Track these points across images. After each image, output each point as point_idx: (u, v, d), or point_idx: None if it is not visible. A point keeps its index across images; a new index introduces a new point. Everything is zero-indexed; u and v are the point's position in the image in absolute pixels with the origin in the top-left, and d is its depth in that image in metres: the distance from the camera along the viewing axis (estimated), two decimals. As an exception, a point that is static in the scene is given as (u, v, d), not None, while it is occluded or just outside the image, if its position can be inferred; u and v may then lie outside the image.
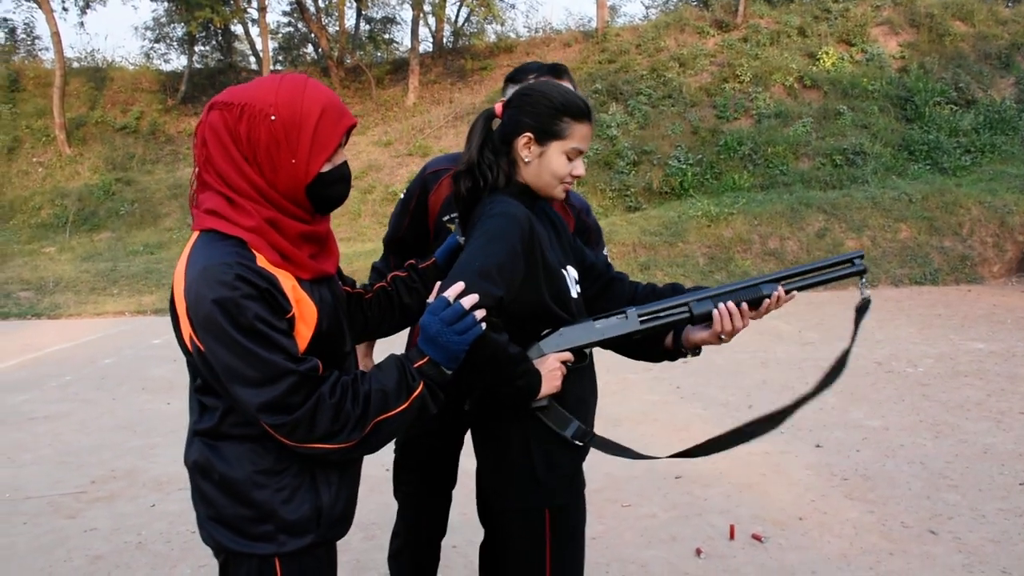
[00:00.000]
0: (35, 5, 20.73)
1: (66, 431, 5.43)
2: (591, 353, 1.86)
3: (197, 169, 1.48)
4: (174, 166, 19.88)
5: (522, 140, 1.76)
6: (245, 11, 22.55)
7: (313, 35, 23.72)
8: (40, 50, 24.18)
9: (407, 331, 2.22)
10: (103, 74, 23.02)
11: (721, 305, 1.80)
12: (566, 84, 2.19)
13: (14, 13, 23.49)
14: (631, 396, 5.84)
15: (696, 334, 1.87)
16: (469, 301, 1.49)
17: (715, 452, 1.92)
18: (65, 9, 23.01)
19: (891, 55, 17.57)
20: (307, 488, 1.50)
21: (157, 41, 23.75)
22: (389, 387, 1.45)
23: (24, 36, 24.45)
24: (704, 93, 17.30)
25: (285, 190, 1.46)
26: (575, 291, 1.85)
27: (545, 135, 1.75)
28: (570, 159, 1.76)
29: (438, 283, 1.61)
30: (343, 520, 1.58)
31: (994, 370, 6.32)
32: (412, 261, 1.90)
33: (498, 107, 1.82)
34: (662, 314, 1.81)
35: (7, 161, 19.79)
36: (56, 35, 19.97)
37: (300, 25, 24.80)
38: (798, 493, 3.87)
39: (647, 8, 23.44)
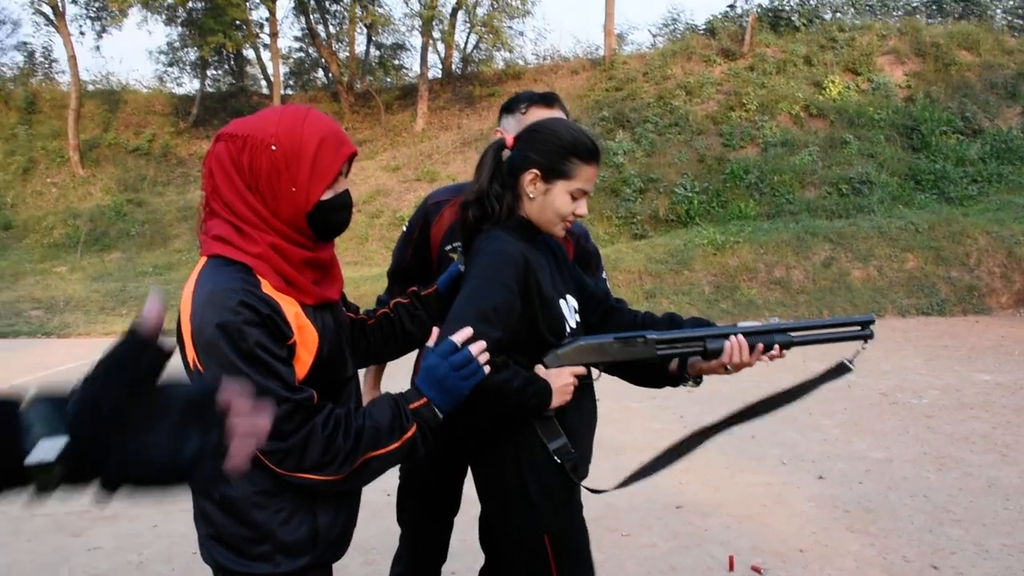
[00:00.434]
0: (53, 29, 21.00)
1: (71, 453, 5.45)
2: (600, 372, 1.91)
3: (205, 197, 1.53)
4: (185, 188, 20.04)
5: (529, 176, 1.79)
6: (257, 36, 22.82)
7: (324, 60, 23.96)
8: (57, 73, 24.46)
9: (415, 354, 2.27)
10: (117, 97, 23.29)
11: (733, 338, 1.86)
12: (557, 112, 2.26)
13: (33, 37, 23.75)
14: (634, 424, 5.84)
15: (702, 363, 1.92)
16: (476, 348, 1.53)
17: (650, 474, 2.03)
18: (82, 33, 23.31)
19: (897, 84, 17.65)
20: (305, 510, 1.53)
21: (171, 65, 24.02)
22: (382, 425, 1.48)
23: (42, 59, 24.75)
24: (710, 121, 17.39)
25: (287, 218, 1.49)
26: (573, 321, 1.89)
27: (552, 173, 1.79)
28: (574, 199, 1.80)
29: (435, 328, 1.65)
30: (340, 543, 1.61)
31: (1000, 402, 6.31)
32: (414, 288, 1.94)
33: (509, 139, 1.86)
34: (678, 345, 1.87)
35: (22, 181, 19.99)
36: (73, 59, 20.23)
37: (311, 50, 25.07)
38: (799, 525, 3.87)
39: (654, 37, 23.59)
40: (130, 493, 0.77)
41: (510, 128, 2.30)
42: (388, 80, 24.23)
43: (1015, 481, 4.44)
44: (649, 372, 1.98)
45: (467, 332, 1.55)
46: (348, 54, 23.62)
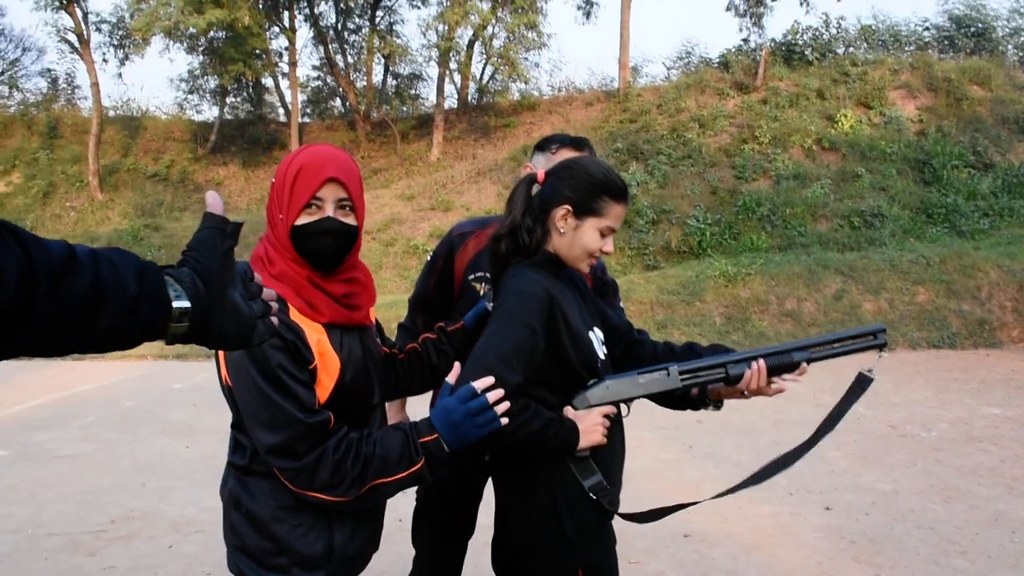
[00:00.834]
0: (78, 57, 21.41)
1: (88, 470, 5.54)
2: (629, 409, 1.96)
3: None
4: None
5: (560, 211, 1.85)
6: (276, 65, 23.18)
7: (341, 89, 24.29)
8: (79, 99, 24.89)
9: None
10: (137, 123, 23.66)
11: (754, 364, 1.91)
12: (585, 154, 2.38)
13: (58, 64, 24.21)
14: (644, 454, 5.88)
15: (721, 388, 1.98)
16: (494, 396, 1.60)
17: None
18: (105, 61, 23.80)
19: (909, 118, 17.75)
20: (322, 527, 1.63)
21: (191, 92, 24.40)
22: (391, 456, 1.57)
23: (65, 86, 25.20)
24: (723, 154, 17.51)
25: (283, 243, 1.61)
26: (602, 352, 1.95)
27: (584, 210, 1.84)
28: (603, 235, 1.86)
29: (457, 364, 1.73)
30: (356, 560, 1.70)
31: (1009, 436, 6.32)
32: (442, 324, 2.03)
33: (540, 174, 1.92)
34: (701, 374, 1.92)
35: (41, 205, 20.29)
36: (96, 85, 20.61)
37: (329, 79, 25.41)
38: (805, 555, 3.91)
39: (668, 69, 23.82)
40: (225, 344, 1.01)
41: (540, 165, 2.43)
42: (404, 109, 24.53)
43: (1022, 514, 4.46)
44: (674, 398, 2.03)
45: (488, 380, 1.61)
46: (365, 83, 23.94)
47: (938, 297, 12.41)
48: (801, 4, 22.68)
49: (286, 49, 22.68)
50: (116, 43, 22.71)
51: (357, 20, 24.27)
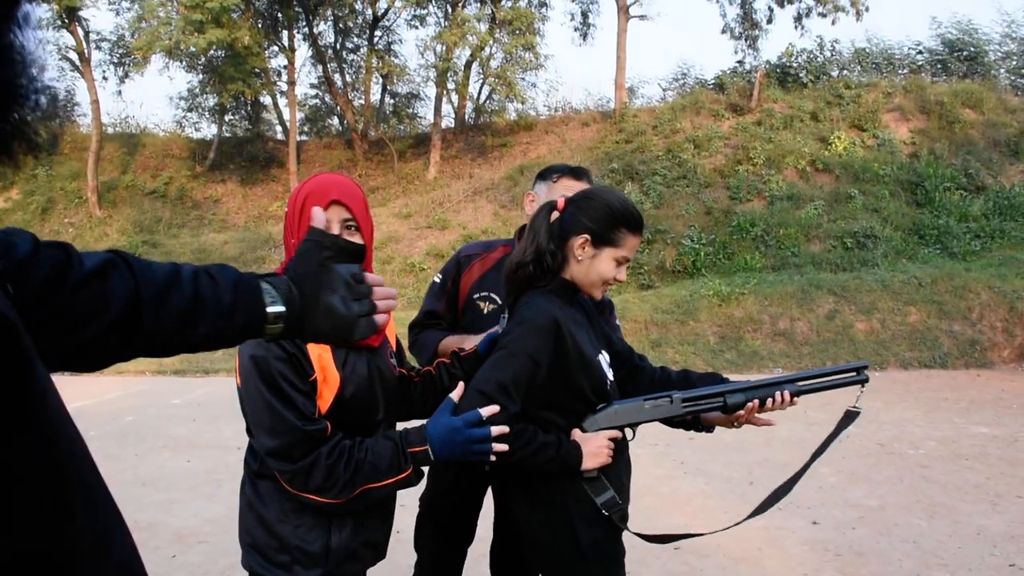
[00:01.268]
0: (78, 74, 21.60)
1: (90, 486, 5.62)
2: (635, 434, 2.09)
3: None
4: (199, 231, 20.41)
5: (579, 240, 1.95)
6: (275, 84, 23.37)
7: (339, 108, 24.48)
8: (78, 116, 25.06)
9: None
10: (136, 140, 23.83)
11: (750, 404, 2.06)
12: (584, 183, 2.56)
13: (58, 81, 24.28)
14: (637, 470, 5.92)
15: (716, 419, 2.14)
16: (496, 431, 1.74)
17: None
18: (105, 79, 23.92)
19: (902, 141, 17.97)
20: (322, 528, 1.77)
21: (190, 110, 24.56)
22: (381, 463, 1.72)
23: (64, 102, 25.35)
24: (718, 174, 17.70)
25: None
26: (610, 376, 2.07)
27: (602, 240, 1.95)
28: (617, 264, 1.97)
29: (461, 384, 1.86)
30: (352, 560, 1.84)
31: (995, 454, 6.44)
32: (456, 349, 2.16)
33: (560, 201, 2.03)
34: (701, 402, 2.07)
35: (40, 221, 20.39)
36: (96, 103, 20.78)
37: (327, 98, 25.60)
38: (792, 567, 4.02)
39: (664, 91, 24.04)
40: (324, 339, 1.16)
41: (541, 193, 2.63)
42: (402, 128, 24.74)
43: (1003, 529, 4.57)
44: (671, 420, 2.16)
45: (494, 409, 1.76)
46: (363, 102, 24.14)
47: (930, 317, 12.55)
48: (796, 27, 23.04)
49: (285, 68, 22.90)
50: (116, 61, 22.91)
51: (355, 40, 24.51)
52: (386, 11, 22.73)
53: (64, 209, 20.89)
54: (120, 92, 41.58)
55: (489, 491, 2.70)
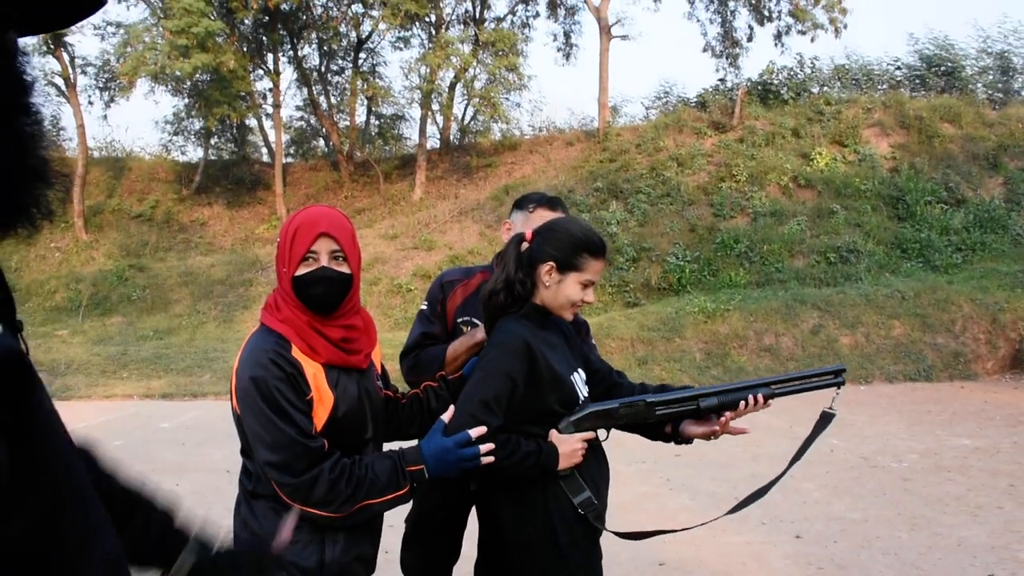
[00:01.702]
0: (64, 100, 21.62)
1: (78, 512, 5.63)
2: (608, 434, 2.22)
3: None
4: (186, 254, 20.41)
5: (545, 267, 2.11)
6: (260, 106, 23.45)
7: (324, 130, 24.57)
8: (64, 140, 25.05)
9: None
10: (122, 164, 23.85)
11: (724, 418, 2.18)
12: (559, 213, 2.68)
13: (43, 106, 24.28)
14: (623, 487, 6.03)
15: (692, 429, 2.24)
16: (485, 448, 1.89)
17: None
18: (91, 103, 23.95)
19: (883, 156, 18.17)
20: (316, 543, 1.85)
21: (176, 134, 24.60)
22: (380, 480, 1.83)
23: (50, 127, 25.29)
24: (702, 192, 17.85)
25: (287, 292, 1.87)
26: (583, 393, 2.20)
27: (566, 266, 2.10)
28: (584, 287, 2.12)
29: (451, 409, 1.98)
30: (345, 574, 1.90)
31: (977, 466, 6.52)
32: (443, 373, 2.30)
33: (528, 233, 2.19)
34: (674, 405, 2.18)
35: (26, 245, 20.33)
36: (81, 127, 20.80)
37: (312, 120, 25.70)
38: (775, 580, 4.08)
39: (647, 109, 24.25)
40: None
41: (518, 222, 2.76)
42: (387, 149, 24.85)
43: (983, 540, 4.64)
44: (648, 429, 2.30)
45: (481, 430, 1.90)
46: (348, 124, 24.24)
47: (913, 331, 12.67)
48: (776, 45, 23.31)
49: (270, 91, 22.98)
50: (102, 86, 22.94)
51: (340, 62, 24.63)
52: (370, 34, 22.89)
53: (50, 233, 20.81)
54: (106, 116, 41.62)
55: (473, 510, 2.75)
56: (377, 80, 23.36)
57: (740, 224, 16.71)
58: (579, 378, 2.20)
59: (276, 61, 22.71)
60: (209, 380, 12.00)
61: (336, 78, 24.80)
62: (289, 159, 25.20)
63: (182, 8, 17.60)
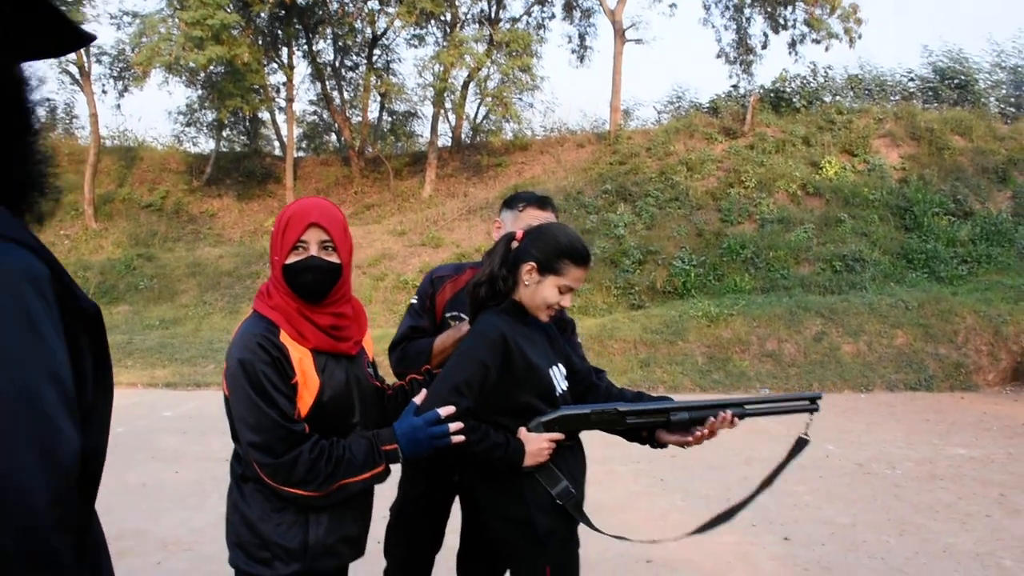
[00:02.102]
0: (78, 88, 21.76)
1: (78, 494, 5.72)
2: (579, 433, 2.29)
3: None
4: (194, 245, 20.53)
5: (527, 267, 2.19)
6: (273, 100, 23.57)
7: (337, 125, 24.68)
8: (76, 128, 25.23)
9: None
10: (134, 153, 24.00)
11: (698, 433, 2.26)
12: (549, 213, 2.76)
13: (57, 94, 24.51)
14: (616, 486, 6.10)
15: (665, 437, 2.33)
16: (454, 427, 1.98)
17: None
18: (104, 92, 24.09)
19: (892, 166, 18.18)
20: (300, 526, 1.92)
21: (188, 125, 24.74)
22: (357, 460, 1.91)
23: (63, 115, 25.55)
24: (710, 197, 17.88)
25: (278, 279, 1.96)
26: (562, 387, 2.28)
27: (546, 269, 2.18)
28: (561, 292, 2.19)
29: (424, 392, 2.09)
30: (329, 555, 1.99)
31: (970, 475, 6.55)
32: (428, 367, 2.38)
33: (519, 233, 2.28)
34: (645, 416, 2.27)
35: (36, 233, 20.50)
36: (94, 116, 20.94)
37: (325, 115, 25.80)
38: (760, 580, 4.13)
39: (659, 113, 24.30)
40: None
41: (507, 220, 2.82)
42: (399, 145, 24.94)
43: (969, 547, 4.69)
44: (627, 434, 2.36)
45: (450, 410, 1.99)
46: (361, 120, 24.34)
47: (916, 341, 12.68)
48: (790, 53, 23.32)
49: (284, 84, 23.09)
50: (116, 75, 23.09)
51: (355, 58, 24.73)
52: (385, 30, 22.99)
53: (60, 221, 20.98)
54: (119, 106, 41.57)
55: (457, 501, 2.83)
56: (391, 77, 23.46)
57: (747, 230, 16.74)
58: (559, 372, 2.28)
59: (290, 55, 22.84)
60: (213, 371, 12.10)
61: (350, 74, 24.92)
62: (301, 153, 25.31)
63: (198, 0, 17.72)
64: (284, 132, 24.36)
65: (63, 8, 0.87)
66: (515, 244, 2.25)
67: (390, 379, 2.47)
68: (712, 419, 2.24)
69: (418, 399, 2.04)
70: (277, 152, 25.78)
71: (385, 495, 2.84)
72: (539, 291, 2.19)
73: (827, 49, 21.88)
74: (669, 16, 35.16)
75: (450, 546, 2.95)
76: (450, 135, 24.36)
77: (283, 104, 23.43)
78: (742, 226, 16.94)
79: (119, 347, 13.75)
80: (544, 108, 43.55)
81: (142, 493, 5.76)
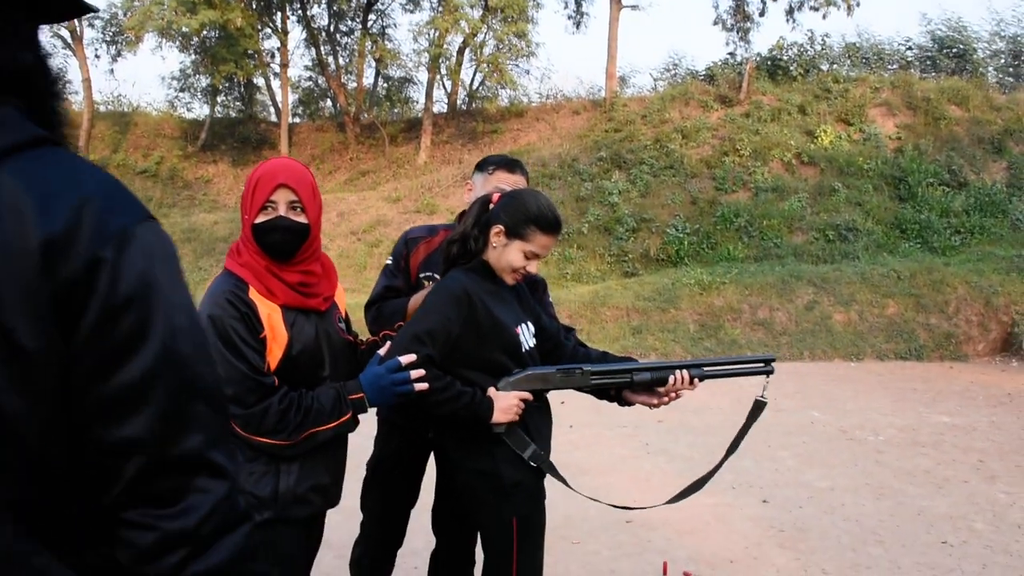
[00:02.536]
0: (70, 52, 21.61)
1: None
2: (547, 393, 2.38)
3: None
4: (190, 211, 20.51)
5: (495, 229, 2.25)
6: (268, 65, 23.42)
7: (332, 91, 24.55)
8: (70, 94, 25.04)
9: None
10: (128, 119, 23.86)
11: (662, 396, 2.37)
12: (519, 176, 2.79)
13: (49, 58, 24.29)
14: (601, 450, 6.18)
15: (632, 396, 2.41)
16: (416, 374, 2.05)
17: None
18: (97, 56, 23.87)
19: (887, 136, 18.12)
20: (271, 475, 2.00)
21: (182, 90, 24.58)
22: (325, 409, 1.98)
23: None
24: (704, 165, 17.85)
25: (247, 238, 2.01)
26: (529, 343, 2.35)
27: (513, 233, 2.24)
28: (527, 258, 2.25)
29: (388, 343, 2.14)
30: (300, 503, 2.06)
31: (951, 442, 6.64)
32: (400, 324, 2.41)
33: (495, 196, 2.34)
34: (608, 376, 2.35)
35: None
36: (87, 81, 20.83)
37: (320, 80, 25.65)
38: (735, 540, 4.21)
39: (655, 81, 24.18)
40: None
41: (478, 183, 2.87)
42: (394, 112, 24.82)
43: (944, 510, 4.77)
44: (597, 392, 2.44)
45: (411, 358, 2.06)
46: (356, 86, 24.20)
47: (907, 310, 12.74)
48: (787, 20, 23.17)
49: (278, 49, 22.93)
50: (109, 39, 22.93)
51: (349, 23, 24.53)
52: (380, -5, 22.81)
53: (55, 186, 20.95)
54: (112, 71, 41.57)
55: (432, 458, 2.88)
56: (386, 42, 23.30)
57: (741, 198, 16.74)
58: (527, 330, 2.34)
59: (284, 20, 22.66)
60: (207, 335, 12.13)
61: (345, 39, 24.74)
62: (296, 119, 25.22)
63: (190, -37, 17.56)
64: (279, 98, 24.23)
65: None
66: (491, 207, 2.30)
67: (366, 336, 2.52)
68: (672, 379, 2.30)
69: (383, 350, 2.11)
70: (272, 118, 25.67)
71: (365, 450, 2.91)
72: (505, 254, 2.24)
73: (825, 17, 21.78)
74: (667, -18, 34.86)
75: (426, 502, 3.01)
76: (446, 101, 24.25)
77: (277, 69, 23.29)
78: (736, 194, 16.93)
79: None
80: (540, 75, 43.40)
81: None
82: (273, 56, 23.49)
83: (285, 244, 2.00)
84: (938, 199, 16.14)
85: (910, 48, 21.80)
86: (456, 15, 19.83)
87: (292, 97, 24.50)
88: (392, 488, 2.89)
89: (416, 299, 2.67)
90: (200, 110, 25.33)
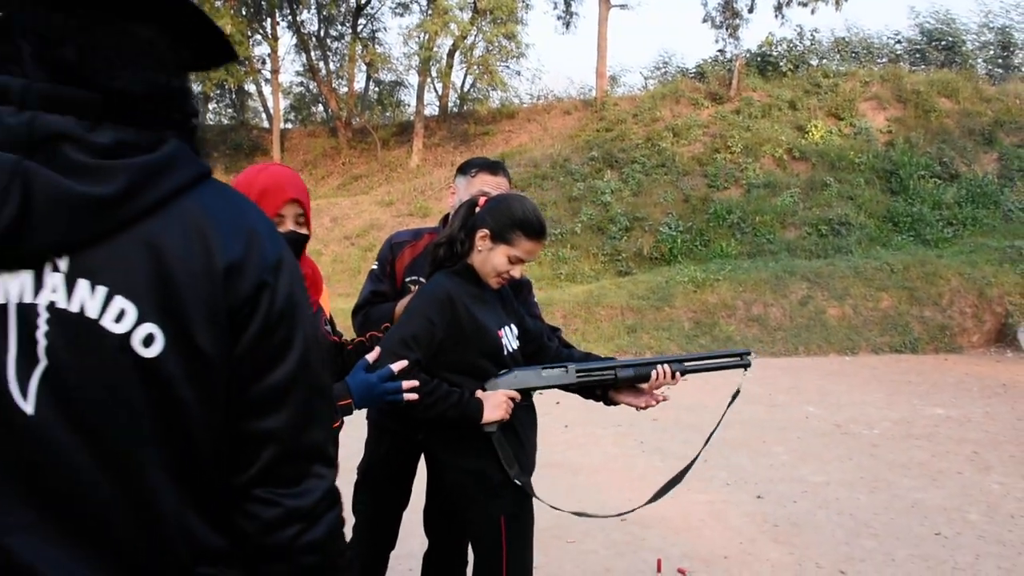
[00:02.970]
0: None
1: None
2: (533, 393, 2.39)
3: None
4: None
5: (481, 233, 2.26)
6: (259, 71, 23.41)
7: (323, 96, 24.54)
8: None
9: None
10: (119, 128, 23.80)
11: (648, 397, 2.40)
12: (502, 179, 2.81)
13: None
14: (595, 448, 6.19)
15: (618, 396, 2.44)
16: (407, 384, 2.06)
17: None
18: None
19: (878, 129, 18.15)
20: None
21: (173, 98, 24.48)
22: None
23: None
24: (696, 162, 17.88)
25: None
26: (512, 346, 2.37)
27: (498, 238, 2.25)
28: (511, 262, 2.27)
29: (377, 348, 2.14)
30: None
31: (945, 434, 6.65)
32: (387, 324, 2.44)
33: (482, 199, 2.34)
34: (594, 373, 2.38)
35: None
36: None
37: (311, 86, 25.65)
38: (729, 536, 4.22)
39: (646, 79, 24.21)
40: None
41: (461, 186, 2.87)
42: (386, 116, 24.83)
43: (938, 502, 4.78)
44: (582, 390, 2.47)
45: (403, 364, 2.06)
46: (347, 90, 24.20)
47: (901, 303, 12.76)
48: (776, 16, 23.22)
49: (269, 56, 22.92)
50: (100, 48, 22.85)
51: (339, 27, 24.57)
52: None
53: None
54: (105, 80, 41.29)
55: (422, 460, 2.89)
56: (376, 46, 23.34)
57: (733, 195, 16.76)
58: (510, 333, 2.36)
59: (274, 26, 22.69)
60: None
61: (335, 44, 24.77)
62: (288, 124, 25.21)
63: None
64: (271, 104, 24.25)
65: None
66: (478, 210, 2.31)
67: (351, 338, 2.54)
68: (654, 374, 2.32)
69: (371, 356, 2.11)
70: (264, 124, 25.65)
71: (355, 454, 2.91)
72: (490, 258, 2.25)
73: (813, 12, 21.84)
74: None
75: (420, 505, 3.01)
76: (437, 104, 24.25)
77: (269, 76, 23.29)
78: (728, 191, 16.96)
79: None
80: (531, 76, 43.44)
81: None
82: (264, 62, 23.51)
83: None
84: (930, 191, 16.18)
85: (899, 41, 21.88)
86: (446, 18, 19.85)
87: (284, 103, 24.49)
88: (383, 491, 2.90)
89: (403, 304, 2.68)
90: (192, 117, 25.27)
